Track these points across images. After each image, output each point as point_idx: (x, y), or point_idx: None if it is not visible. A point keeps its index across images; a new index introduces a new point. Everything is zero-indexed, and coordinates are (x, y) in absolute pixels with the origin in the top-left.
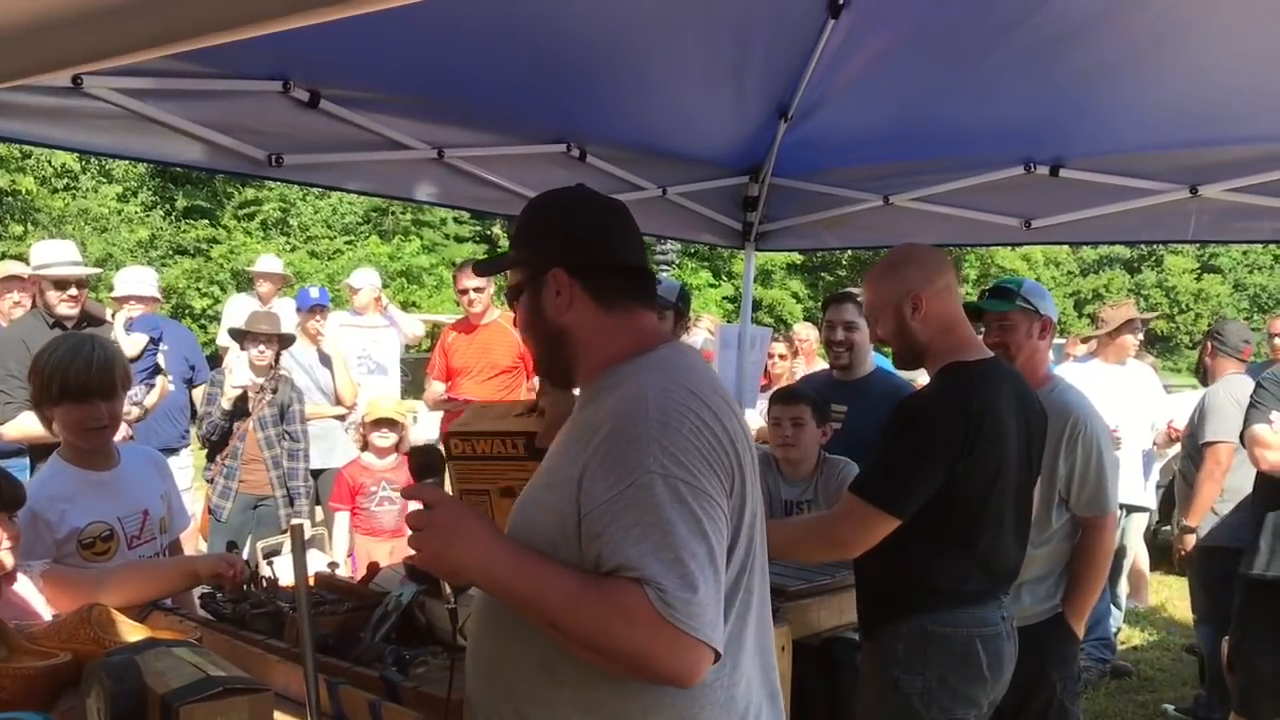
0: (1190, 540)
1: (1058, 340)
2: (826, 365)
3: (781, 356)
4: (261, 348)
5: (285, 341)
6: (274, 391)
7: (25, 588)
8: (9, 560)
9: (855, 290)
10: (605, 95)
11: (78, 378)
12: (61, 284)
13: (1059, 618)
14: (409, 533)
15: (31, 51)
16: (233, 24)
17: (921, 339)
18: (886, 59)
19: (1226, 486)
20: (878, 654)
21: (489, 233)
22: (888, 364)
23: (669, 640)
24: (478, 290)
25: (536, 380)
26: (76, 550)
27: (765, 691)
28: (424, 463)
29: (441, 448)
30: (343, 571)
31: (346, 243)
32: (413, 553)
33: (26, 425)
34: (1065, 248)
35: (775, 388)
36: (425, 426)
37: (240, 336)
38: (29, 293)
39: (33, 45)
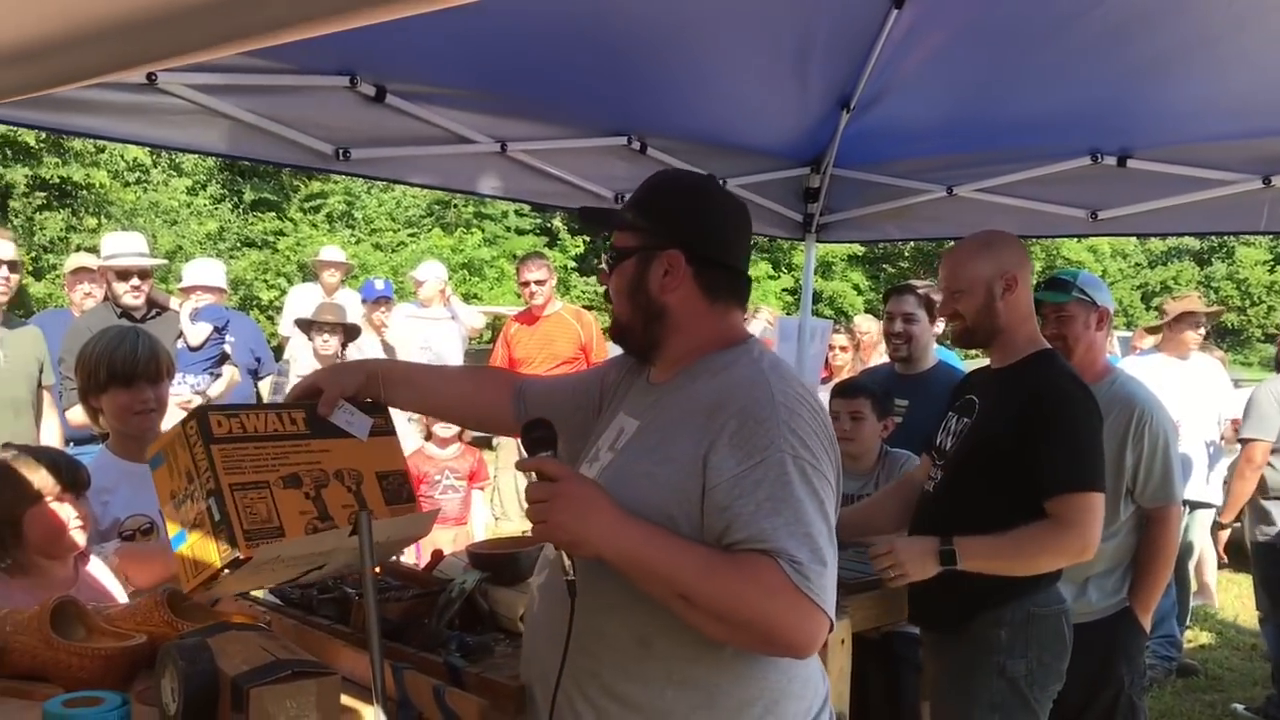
0: (1224, 536)
1: (1124, 333)
2: (887, 359)
3: (842, 349)
4: (326, 337)
5: (351, 333)
6: None
7: (98, 569)
8: (81, 539)
9: (917, 283)
10: (666, 87)
11: (124, 362)
12: (125, 274)
13: (1126, 612)
14: (464, 516)
15: (110, 51)
16: (302, 22)
17: (1002, 321)
18: (951, 48)
19: None
20: (972, 643)
21: (549, 225)
22: (952, 358)
23: (802, 611)
24: (539, 283)
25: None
26: (118, 542)
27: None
28: (538, 437)
29: (192, 430)
30: (407, 559)
31: (410, 235)
32: (477, 540)
33: None
34: (1132, 239)
35: (835, 380)
36: None
37: (307, 326)
38: (99, 284)
39: (111, 45)
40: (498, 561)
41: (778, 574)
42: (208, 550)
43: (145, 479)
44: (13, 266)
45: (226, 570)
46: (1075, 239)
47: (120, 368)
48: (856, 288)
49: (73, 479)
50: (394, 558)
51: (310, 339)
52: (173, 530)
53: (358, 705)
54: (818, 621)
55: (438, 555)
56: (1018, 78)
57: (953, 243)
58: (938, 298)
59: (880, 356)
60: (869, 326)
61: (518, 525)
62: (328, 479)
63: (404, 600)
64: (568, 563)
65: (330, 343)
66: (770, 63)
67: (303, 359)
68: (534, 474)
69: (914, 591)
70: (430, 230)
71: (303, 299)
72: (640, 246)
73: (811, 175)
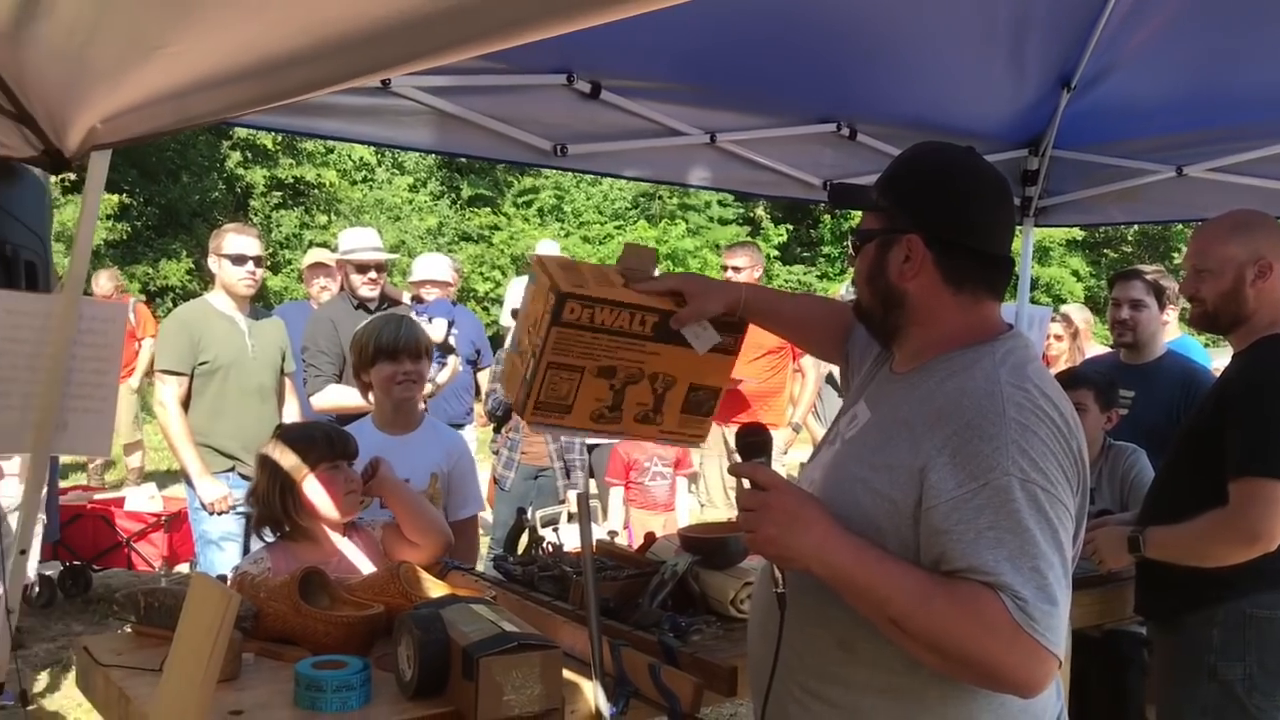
0: None
1: None
2: (1103, 349)
3: (1057, 337)
4: None
5: None
6: None
7: (360, 541)
8: (355, 505)
9: (1145, 268)
10: (875, 72)
11: (390, 338)
12: (363, 268)
13: None
14: (673, 506)
15: (348, 61)
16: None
17: (1249, 308)
18: (1182, 19)
19: None
20: (1183, 644)
21: (752, 214)
22: (1186, 347)
23: (1025, 651)
24: (736, 269)
25: (803, 361)
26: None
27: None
28: (752, 442)
29: (549, 304)
30: (621, 541)
31: (616, 228)
32: (684, 525)
33: (334, 397)
34: None
35: (1054, 371)
36: None
37: None
38: (334, 278)
39: (350, 56)
40: (709, 545)
41: (1000, 610)
42: (513, 384)
43: (402, 450)
44: (258, 262)
45: (523, 408)
46: None
47: (386, 343)
48: (1076, 274)
49: (344, 448)
50: (610, 537)
51: None
52: (514, 335)
53: (577, 679)
54: (1043, 662)
55: (650, 537)
56: (1256, 48)
57: (1181, 226)
58: (1168, 284)
59: (1097, 347)
60: (1082, 316)
61: (723, 513)
62: (640, 377)
63: (619, 580)
64: (778, 574)
65: None
66: (984, 42)
67: None
68: (746, 481)
69: (1138, 583)
70: (635, 222)
71: (521, 291)
72: (881, 230)
73: (1029, 157)
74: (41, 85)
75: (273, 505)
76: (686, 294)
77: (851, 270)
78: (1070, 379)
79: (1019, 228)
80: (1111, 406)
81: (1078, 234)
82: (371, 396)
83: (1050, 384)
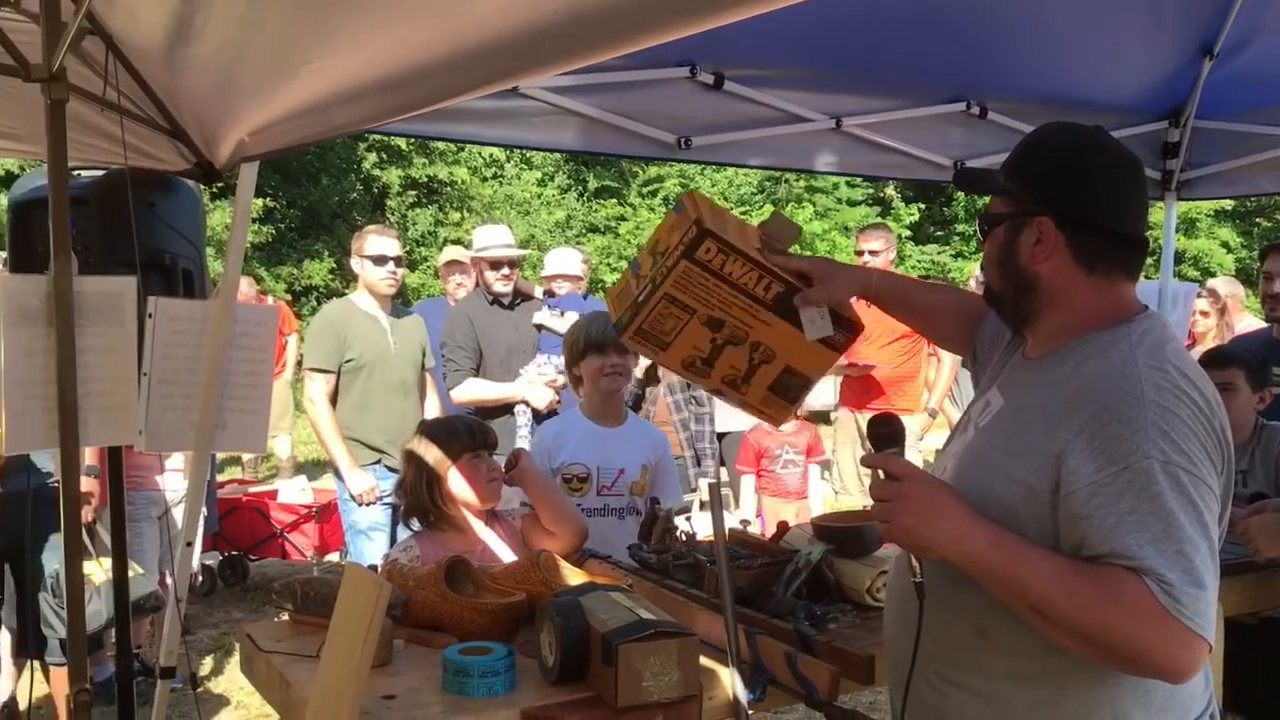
0: None
1: None
2: (1258, 322)
3: (1203, 314)
4: None
5: None
6: None
7: (502, 531)
8: (496, 494)
9: None
10: (1005, 47)
11: (598, 333)
12: (496, 264)
13: None
14: (806, 495)
15: (483, 70)
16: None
17: None
18: None
19: None
20: None
21: (881, 195)
22: None
23: (1173, 636)
24: (873, 253)
25: (937, 346)
26: (559, 484)
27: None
28: (885, 432)
29: (688, 236)
30: (753, 529)
31: (742, 213)
32: (818, 513)
33: (473, 390)
34: None
35: (1202, 349)
36: (821, 390)
37: None
38: (470, 274)
39: (484, 65)
40: (843, 534)
41: (1145, 595)
42: (621, 302)
43: (616, 441)
44: (399, 261)
45: (624, 328)
46: None
47: (595, 338)
48: (1226, 245)
49: (485, 439)
50: (743, 525)
51: None
52: (639, 256)
53: (714, 666)
54: (1192, 647)
55: (783, 526)
56: None
57: None
58: None
59: (1253, 321)
60: (1230, 289)
61: (857, 500)
62: (743, 341)
63: (753, 568)
64: (915, 564)
65: None
66: (1119, 12)
67: None
68: (880, 471)
69: None
70: (762, 207)
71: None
72: (1010, 213)
73: (1170, 129)
74: (194, 103)
75: (420, 496)
76: (815, 276)
77: None
78: (1219, 358)
79: (1160, 202)
80: (1264, 386)
81: (1227, 204)
82: (580, 391)
83: (1190, 364)
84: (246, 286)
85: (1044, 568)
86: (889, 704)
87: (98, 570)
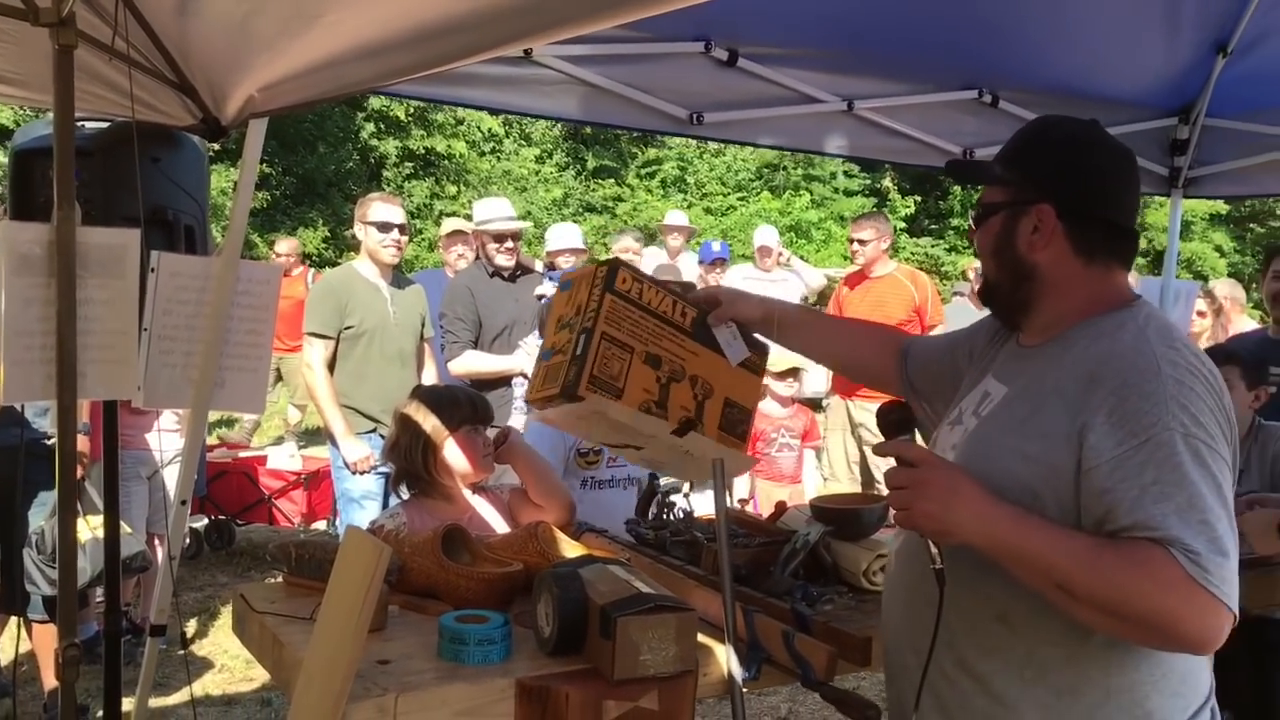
0: None
1: None
2: (1254, 324)
3: (1200, 314)
4: None
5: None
6: None
7: (482, 505)
8: (490, 467)
9: None
10: (1020, 36)
11: None
12: (499, 237)
13: None
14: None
15: (501, 29)
16: None
17: None
18: None
19: None
20: None
21: (878, 185)
22: None
23: (1201, 605)
24: (861, 242)
25: (932, 333)
26: (575, 458)
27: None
28: (894, 419)
29: (600, 276)
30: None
31: (739, 199)
32: (815, 496)
33: (471, 362)
34: None
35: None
36: (815, 377)
37: None
38: (471, 246)
39: (502, 24)
40: (841, 516)
41: (1172, 565)
42: (558, 374)
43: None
44: (403, 230)
45: (562, 399)
46: None
47: None
48: (1219, 249)
49: (485, 413)
50: (740, 505)
51: None
52: (544, 347)
53: (710, 642)
54: (1220, 616)
55: (781, 506)
56: None
57: None
58: None
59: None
60: (1228, 291)
61: (846, 487)
62: (683, 376)
63: (751, 548)
64: (935, 551)
65: None
66: (1134, 6)
67: None
68: (893, 459)
69: None
70: (759, 193)
71: (645, 263)
72: (1007, 202)
73: (1179, 126)
74: (204, 56)
75: (414, 461)
76: (720, 298)
77: None
78: (1215, 356)
79: (1166, 199)
80: (1260, 384)
81: (1221, 208)
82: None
83: (1197, 347)
84: (285, 245)
85: (1069, 545)
86: (875, 691)
87: (84, 528)
